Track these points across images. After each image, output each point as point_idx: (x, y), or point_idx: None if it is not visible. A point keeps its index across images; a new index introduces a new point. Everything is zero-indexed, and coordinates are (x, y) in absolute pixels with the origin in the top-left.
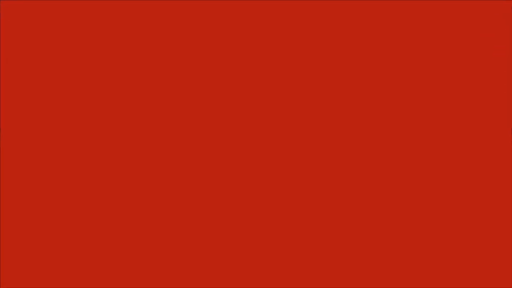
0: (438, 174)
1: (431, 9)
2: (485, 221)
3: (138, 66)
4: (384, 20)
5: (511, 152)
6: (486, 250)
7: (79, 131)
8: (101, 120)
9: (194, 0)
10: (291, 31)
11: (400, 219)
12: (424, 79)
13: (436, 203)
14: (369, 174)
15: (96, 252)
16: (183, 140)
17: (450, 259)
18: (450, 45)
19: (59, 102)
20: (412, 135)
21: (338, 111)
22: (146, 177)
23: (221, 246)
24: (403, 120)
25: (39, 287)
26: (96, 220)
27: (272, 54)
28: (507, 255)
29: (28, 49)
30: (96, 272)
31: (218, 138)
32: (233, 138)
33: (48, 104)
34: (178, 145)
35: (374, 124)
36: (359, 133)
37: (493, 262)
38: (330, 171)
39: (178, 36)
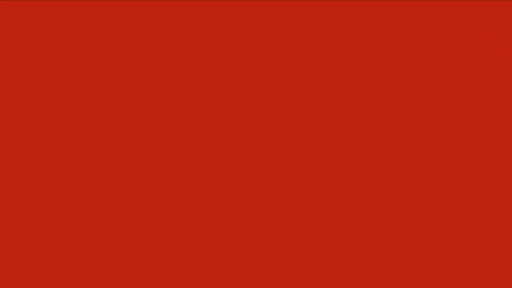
0: (438, 174)
1: (431, 9)
2: (486, 221)
3: (138, 66)
4: (384, 20)
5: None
6: (487, 251)
7: (79, 131)
8: (101, 120)
9: (194, 0)
10: (291, 31)
11: (400, 220)
12: (424, 79)
13: (436, 204)
14: (369, 174)
15: (95, 252)
16: (183, 140)
17: (451, 260)
18: (450, 45)
19: (59, 102)
20: (412, 135)
21: (338, 111)
22: (146, 177)
23: (221, 246)
24: (403, 120)
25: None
26: (95, 221)
27: (272, 54)
28: (508, 256)
29: (27, 49)
30: (96, 273)
31: (218, 138)
32: (233, 138)
33: (48, 104)
34: (178, 145)
35: (374, 124)
36: (359, 133)
37: (493, 263)
38: (330, 171)
39: (178, 36)
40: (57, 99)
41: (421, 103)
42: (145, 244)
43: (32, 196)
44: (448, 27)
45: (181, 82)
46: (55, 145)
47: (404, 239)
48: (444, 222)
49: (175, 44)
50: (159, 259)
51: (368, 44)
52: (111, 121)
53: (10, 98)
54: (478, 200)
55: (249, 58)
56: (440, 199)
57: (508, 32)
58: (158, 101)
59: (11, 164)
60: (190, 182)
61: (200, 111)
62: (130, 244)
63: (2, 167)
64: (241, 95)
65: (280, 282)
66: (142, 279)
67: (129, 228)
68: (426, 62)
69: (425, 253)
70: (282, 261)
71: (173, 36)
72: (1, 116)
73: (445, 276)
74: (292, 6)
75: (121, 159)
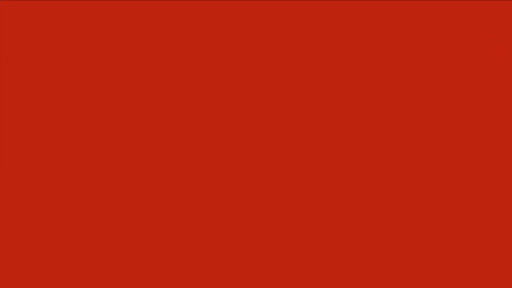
0: (438, 174)
1: (431, 9)
2: (486, 222)
3: (138, 66)
4: (384, 20)
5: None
6: (487, 251)
7: (79, 131)
8: (101, 120)
9: (194, 0)
10: (291, 31)
11: (400, 220)
12: (424, 79)
13: (436, 204)
14: (369, 175)
15: (95, 252)
16: (183, 140)
17: (451, 261)
18: (450, 45)
19: (59, 102)
20: (412, 135)
21: (338, 111)
22: (146, 177)
23: (221, 247)
24: (403, 120)
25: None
26: (95, 221)
27: (272, 54)
28: (508, 257)
29: (27, 49)
30: (96, 273)
31: (218, 138)
32: (233, 138)
33: (48, 104)
34: (178, 145)
35: (374, 124)
36: (359, 133)
37: (494, 263)
38: (330, 171)
39: (178, 36)
40: (57, 99)
41: (421, 103)
42: (145, 244)
43: (32, 196)
44: (448, 27)
45: (181, 82)
46: (55, 145)
47: (404, 239)
48: (444, 222)
49: (175, 44)
50: (159, 259)
51: (368, 44)
52: (111, 121)
53: (10, 98)
54: (478, 200)
55: (249, 58)
56: (440, 199)
57: (508, 32)
58: (158, 101)
59: (11, 164)
60: (190, 182)
61: (200, 111)
62: (130, 244)
63: (2, 167)
64: (241, 95)
65: (280, 282)
66: (142, 279)
67: (129, 228)
68: (426, 62)
69: (425, 253)
70: (282, 261)
71: (173, 36)
72: (1, 116)
73: (445, 276)
74: (292, 6)
75: (121, 159)
